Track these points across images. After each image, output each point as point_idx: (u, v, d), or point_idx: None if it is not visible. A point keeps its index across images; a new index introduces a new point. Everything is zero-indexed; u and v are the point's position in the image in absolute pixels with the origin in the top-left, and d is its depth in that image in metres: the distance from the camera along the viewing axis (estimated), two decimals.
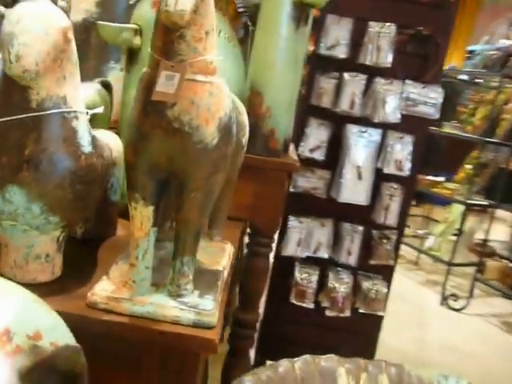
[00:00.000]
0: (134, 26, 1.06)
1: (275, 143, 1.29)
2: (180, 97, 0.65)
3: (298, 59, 1.30)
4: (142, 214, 0.72)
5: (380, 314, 1.75)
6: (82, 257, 0.89)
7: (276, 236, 1.94)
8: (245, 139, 0.96)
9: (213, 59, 0.68)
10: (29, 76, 0.61)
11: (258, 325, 1.56)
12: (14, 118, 0.65)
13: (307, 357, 0.86)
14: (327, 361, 0.84)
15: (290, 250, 1.72)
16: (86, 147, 0.71)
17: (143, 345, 0.70)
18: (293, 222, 1.71)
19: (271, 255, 1.88)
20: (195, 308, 0.72)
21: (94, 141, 0.73)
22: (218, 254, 0.95)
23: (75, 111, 0.69)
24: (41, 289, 0.73)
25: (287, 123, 1.33)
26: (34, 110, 0.65)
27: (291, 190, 1.72)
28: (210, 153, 0.68)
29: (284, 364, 0.82)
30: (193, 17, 0.64)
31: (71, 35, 0.66)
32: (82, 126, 0.71)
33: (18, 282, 0.72)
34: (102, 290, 0.72)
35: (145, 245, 0.74)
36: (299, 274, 1.73)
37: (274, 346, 1.76)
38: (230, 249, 1.01)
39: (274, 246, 1.95)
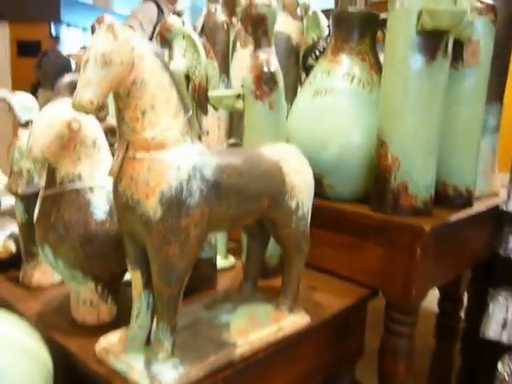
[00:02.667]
0: (237, 91, 1.12)
1: (409, 199, 1.09)
2: (124, 174, 0.70)
3: (437, 97, 1.06)
4: (134, 277, 0.79)
5: None
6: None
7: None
8: (295, 202, 0.88)
9: (155, 135, 0.69)
10: (38, 162, 0.79)
11: None
12: (45, 193, 0.84)
13: None
14: None
15: (492, 332, 1.33)
16: (99, 215, 0.83)
17: None
18: (495, 296, 1.33)
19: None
20: (154, 377, 0.72)
21: (112, 209, 0.85)
22: (260, 326, 0.89)
23: (90, 186, 0.83)
24: (82, 330, 0.90)
25: (429, 174, 1.10)
26: (57, 186, 0.83)
27: (501, 253, 1.35)
28: (155, 225, 0.69)
29: None
30: (126, 100, 0.69)
31: (76, 125, 0.80)
32: (97, 197, 0.84)
33: (76, 322, 0.91)
34: (106, 340, 0.82)
35: (138, 305, 0.80)
36: (505, 367, 1.31)
37: None
38: (291, 321, 0.93)
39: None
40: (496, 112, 1.36)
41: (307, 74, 1.43)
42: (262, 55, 1.08)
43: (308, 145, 1.20)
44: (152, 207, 0.69)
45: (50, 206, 0.84)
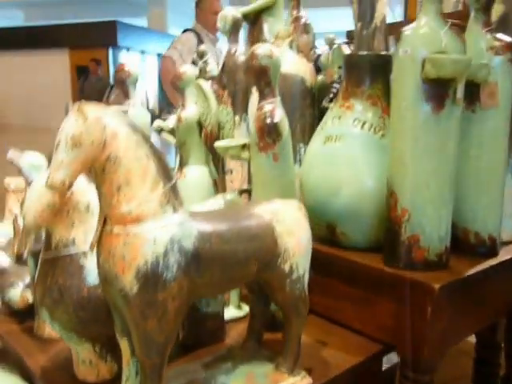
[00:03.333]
0: (243, 141, 1.12)
1: (421, 252, 1.04)
2: (103, 247, 0.71)
3: (448, 145, 1.01)
4: (122, 345, 0.79)
5: None
6: None
7: None
8: (289, 265, 0.86)
9: (131, 209, 0.70)
10: (31, 229, 0.82)
11: None
12: (42, 256, 0.86)
13: None
14: None
15: None
16: (92, 280, 0.85)
17: None
18: None
19: None
20: None
21: None
22: None
23: (83, 251, 0.85)
24: None
25: (442, 225, 1.04)
26: (52, 250, 0.85)
27: None
28: (132, 300, 0.69)
29: None
30: (102, 176, 0.70)
31: (68, 192, 0.82)
32: (90, 262, 0.85)
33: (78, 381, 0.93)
34: None
35: (127, 372, 0.80)
36: None
37: None
38: (290, 382, 0.90)
39: None
40: None
41: (322, 117, 1.40)
42: (266, 106, 1.08)
43: (320, 192, 1.18)
44: (128, 282, 0.69)
45: (46, 269, 0.86)
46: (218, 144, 1.14)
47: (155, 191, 0.72)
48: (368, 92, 1.18)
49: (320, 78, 1.68)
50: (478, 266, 1.09)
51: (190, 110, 1.30)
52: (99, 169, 0.69)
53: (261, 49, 1.08)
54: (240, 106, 1.61)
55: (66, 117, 0.67)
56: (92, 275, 0.85)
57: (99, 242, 0.72)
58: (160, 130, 1.39)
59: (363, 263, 1.11)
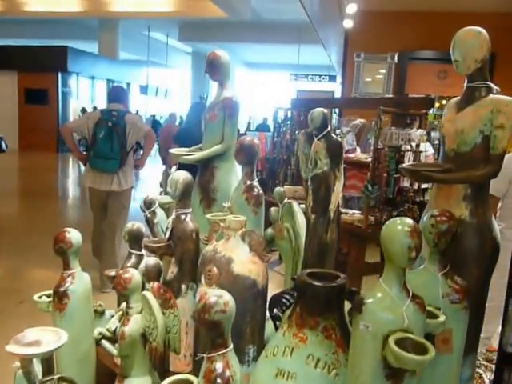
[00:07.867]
0: None
1: None
2: None
3: None
4: None
5: None
6: None
7: None
8: None
9: None
10: None
11: None
12: None
13: None
14: None
15: None
16: None
17: None
18: None
19: None
20: None
21: None
22: None
23: None
24: None
25: None
26: None
27: None
28: None
29: None
30: None
31: None
32: None
33: None
34: None
35: None
36: None
37: None
38: None
39: None
40: (470, 362, 1.28)
41: (274, 323, 1.34)
42: (217, 365, 1.01)
43: None
44: None
45: None
46: None
47: None
48: (323, 324, 1.13)
49: (269, 231, 1.64)
50: None
51: (134, 323, 1.20)
52: None
53: (213, 299, 1.02)
54: (187, 274, 1.53)
55: None
56: None
57: None
58: (101, 338, 1.29)
59: None
